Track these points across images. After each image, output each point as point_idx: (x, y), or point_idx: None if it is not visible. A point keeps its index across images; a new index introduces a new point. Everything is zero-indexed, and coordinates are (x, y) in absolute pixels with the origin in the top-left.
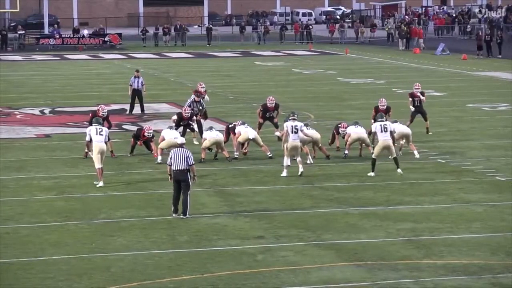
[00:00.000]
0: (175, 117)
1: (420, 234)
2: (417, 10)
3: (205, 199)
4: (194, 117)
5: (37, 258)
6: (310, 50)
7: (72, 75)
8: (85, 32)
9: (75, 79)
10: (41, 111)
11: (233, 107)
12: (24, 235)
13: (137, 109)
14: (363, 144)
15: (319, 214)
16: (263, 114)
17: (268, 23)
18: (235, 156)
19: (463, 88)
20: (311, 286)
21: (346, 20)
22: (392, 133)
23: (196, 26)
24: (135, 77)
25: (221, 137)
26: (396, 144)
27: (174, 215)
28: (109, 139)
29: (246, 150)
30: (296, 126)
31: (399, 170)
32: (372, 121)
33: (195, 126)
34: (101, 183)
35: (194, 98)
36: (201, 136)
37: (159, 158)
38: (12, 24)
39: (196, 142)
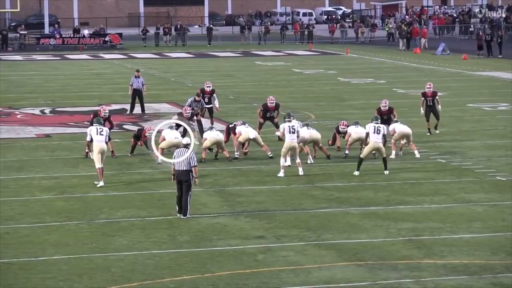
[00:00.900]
0: (175, 117)
1: (420, 234)
2: (417, 10)
3: (206, 199)
4: (195, 117)
5: (37, 258)
6: (310, 50)
7: (72, 75)
8: (86, 32)
9: (76, 79)
10: (42, 111)
11: (234, 107)
12: (24, 235)
13: (137, 109)
14: (364, 144)
15: (320, 214)
16: (263, 114)
17: (269, 23)
18: (236, 156)
19: (464, 88)
20: (312, 286)
21: (347, 20)
22: (384, 136)
23: (197, 26)
24: (135, 77)
25: (221, 137)
26: (397, 144)
27: (178, 214)
28: (110, 139)
29: (247, 150)
30: (294, 126)
31: (386, 172)
32: None
33: (195, 126)
34: (101, 183)
35: (194, 98)
36: (202, 136)
37: (159, 158)
38: (13, 24)
39: (196, 142)
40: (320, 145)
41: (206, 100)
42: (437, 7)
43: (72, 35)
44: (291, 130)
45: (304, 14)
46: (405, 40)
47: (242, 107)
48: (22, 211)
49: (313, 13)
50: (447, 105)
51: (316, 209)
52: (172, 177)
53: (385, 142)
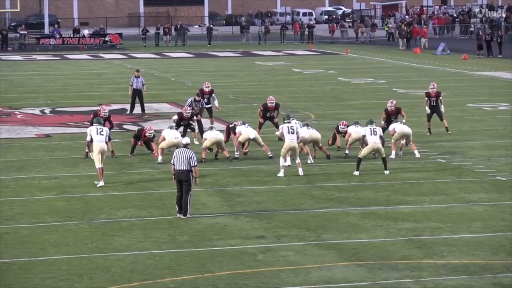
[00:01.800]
0: (175, 117)
1: (420, 233)
2: (417, 9)
3: (206, 199)
4: (195, 117)
5: (37, 258)
6: (310, 50)
7: (72, 75)
8: (86, 32)
9: (76, 79)
10: (42, 111)
11: (234, 107)
12: (24, 235)
13: (137, 109)
14: (364, 144)
15: (320, 214)
16: (263, 114)
17: (269, 23)
18: (236, 156)
19: (464, 88)
20: (312, 286)
21: (347, 20)
22: (381, 137)
23: (197, 26)
24: (135, 77)
25: (221, 137)
26: (396, 144)
27: (178, 214)
28: (110, 139)
29: (247, 150)
30: (293, 126)
31: (386, 172)
32: (382, 122)
33: (195, 126)
34: (101, 183)
35: (194, 98)
36: (202, 136)
37: (160, 158)
38: (13, 24)
39: (196, 142)
40: (320, 145)
41: (206, 100)
42: (437, 7)
43: (72, 35)
44: (290, 130)
45: (304, 14)
46: (405, 40)
47: (242, 107)
48: (22, 211)
49: (313, 13)
50: (447, 105)
51: (316, 209)
52: (173, 177)
53: (383, 142)
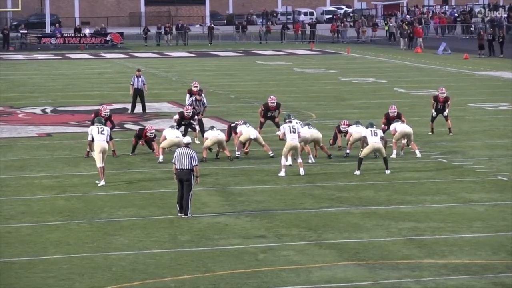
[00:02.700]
0: (176, 116)
1: (421, 233)
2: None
3: (207, 198)
4: (196, 116)
5: (38, 257)
6: (311, 50)
7: (73, 74)
8: (87, 31)
9: (77, 78)
10: (43, 110)
11: (235, 106)
12: (25, 234)
13: (138, 108)
14: (365, 144)
15: (321, 214)
16: (264, 113)
17: (270, 23)
18: (237, 155)
19: (465, 88)
20: (313, 286)
21: (348, 20)
22: (383, 138)
23: (198, 26)
24: (136, 76)
25: (222, 136)
26: (397, 144)
27: (179, 214)
28: (111, 138)
29: (248, 150)
30: (294, 126)
31: (387, 171)
32: (383, 126)
33: (196, 125)
34: (102, 182)
35: (195, 97)
36: (203, 136)
37: (161, 157)
38: (14, 24)
39: (197, 142)
40: (321, 144)
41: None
42: (438, 6)
43: (73, 35)
44: (292, 130)
45: (305, 14)
46: (406, 39)
47: (243, 106)
48: (24, 210)
49: (314, 13)
50: None
51: (317, 208)
52: (174, 176)
53: (386, 143)
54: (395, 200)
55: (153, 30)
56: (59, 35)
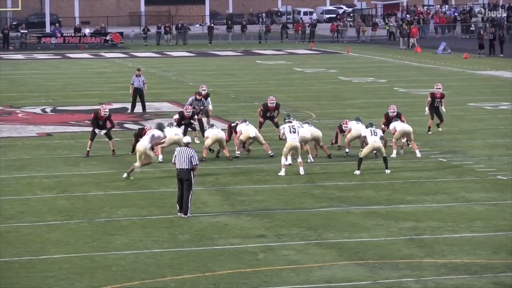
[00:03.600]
0: (176, 116)
1: (421, 233)
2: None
3: (207, 198)
4: (196, 116)
5: (38, 257)
6: (311, 49)
7: (73, 74)
8: (87, 31)
9: (77, 78)
10: (43, 110)
11: (235, 106)
12: (25, 234)
13: (138, 108)
14: (364, 144)
15: (321, 213)
16: (263, 113)
17: (269, 22)
18: (237, 155)
19: (465, 87)
20: (313, 285)
21: (348, 20)
22: (383, 137)
23: (198, 25)
24: (136, 76)
25: (222, 134)
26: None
27: (179, 213)
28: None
29: (250, 146)
30: (294, 126)
31: (387, 171)
32: (383, 126)
33: (196, 125)
34: (125, 174)
35: (196, 97)
36: (203, 135)
37: (160, 157)
38: (14, 23)
39: (197, 141)
40: (321, 144)
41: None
42: (438, 6)
43: (73, 34)
44: (292, 129)
45: (305, 13)
46: (406, 39)
47: (243, 106)
48: (23, 209)
49: (314, 12)
50: (448, 104)
51: (317, 208)
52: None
53: (385, 142)
54: (395, 200)
55: (153, 30)
56: (59, 35)
